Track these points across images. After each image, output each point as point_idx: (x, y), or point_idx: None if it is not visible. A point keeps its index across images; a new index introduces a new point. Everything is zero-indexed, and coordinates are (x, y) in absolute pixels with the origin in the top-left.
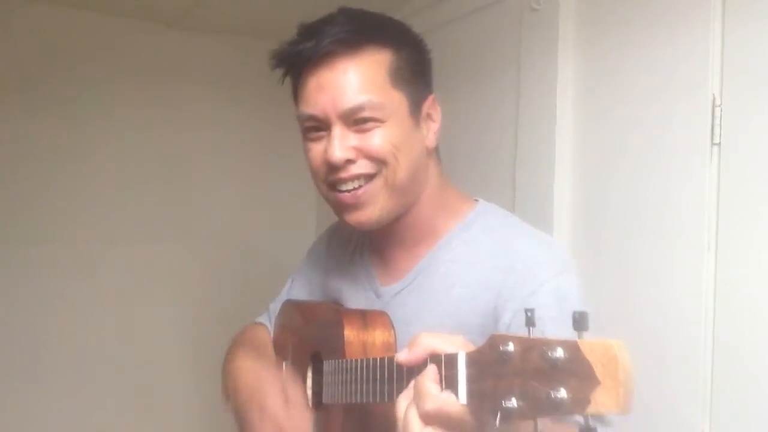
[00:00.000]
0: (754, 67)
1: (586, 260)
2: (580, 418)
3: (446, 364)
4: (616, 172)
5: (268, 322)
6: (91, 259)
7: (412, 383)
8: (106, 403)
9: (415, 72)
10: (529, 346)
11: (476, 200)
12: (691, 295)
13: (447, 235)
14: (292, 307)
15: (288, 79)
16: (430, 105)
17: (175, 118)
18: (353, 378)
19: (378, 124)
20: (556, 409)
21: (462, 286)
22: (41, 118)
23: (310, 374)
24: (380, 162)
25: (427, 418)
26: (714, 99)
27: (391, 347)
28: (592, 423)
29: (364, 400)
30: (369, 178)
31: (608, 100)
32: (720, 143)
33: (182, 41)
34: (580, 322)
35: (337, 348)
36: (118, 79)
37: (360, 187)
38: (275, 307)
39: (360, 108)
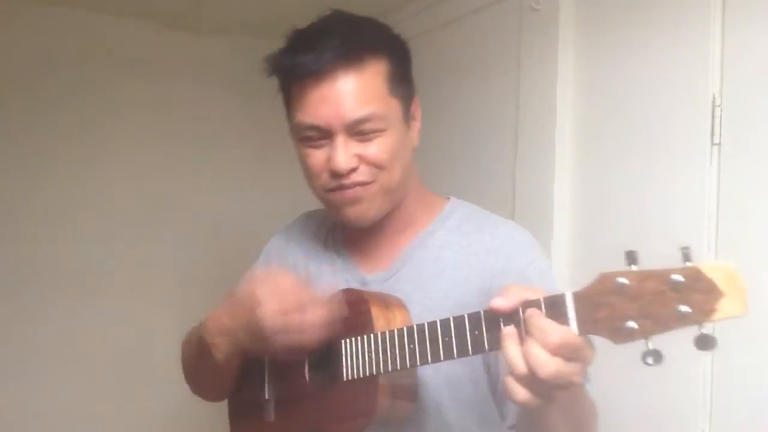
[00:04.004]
0: (754, 67)
1: (586, 260)
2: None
3: (550, 304)
4: (616, 172)
5: None
6: (90, 258)
7: (509, 329)
8: (104, 401)
9: (405, 75)
10: (645, 276)
11: (449, 197)
12: None
13: (429, 226)
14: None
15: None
16: (415, 106)
17: (175, 118)
18: (405, 343)
19: (379, 133)
20: (682, 320)
21: (454, 268)
22: (41, 118)
23: (307, 359)
24: (379, 168)
25: (556, 350)
26: (714, 99)
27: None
28: (707, 332)
29: (423, 362)
30: (367, 183)
31: (608, 101)
32: (720, 143)
33: (182, 41)
34: (687, 254)
35: (365, 324)
36: (118, 78)
37: (360, 187)
38: None
39: (364, 120)
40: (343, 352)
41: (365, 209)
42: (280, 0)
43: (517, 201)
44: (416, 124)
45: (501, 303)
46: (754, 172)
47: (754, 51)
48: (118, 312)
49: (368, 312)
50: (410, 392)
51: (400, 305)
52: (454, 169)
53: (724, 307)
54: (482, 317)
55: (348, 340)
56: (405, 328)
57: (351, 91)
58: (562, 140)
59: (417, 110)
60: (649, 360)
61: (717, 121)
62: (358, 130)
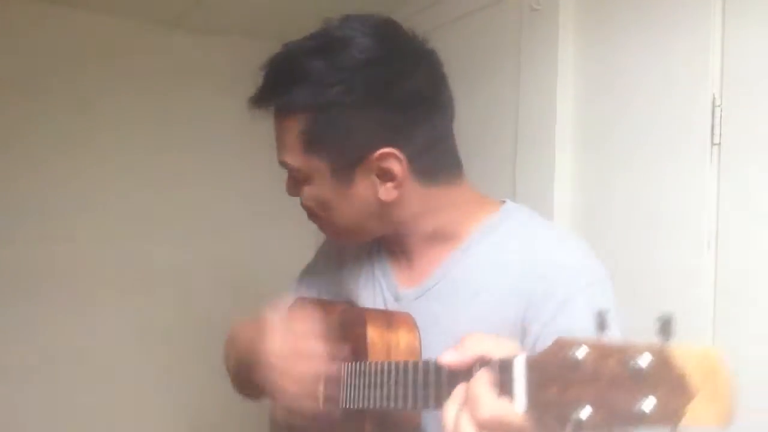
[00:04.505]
0: (754, 67)
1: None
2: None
3: (501, 368)
4: (616, 172)
5: None
6: (90, 259)
7: (460, 388)
8: (103, 402)
9: (350, 130)
10: (605, 351)
11: (503, 201)
12: (691, 295)
13: (468, 239)
14: (303, 305)
15: None
16: (377, 159)
17: (175, 118)
18: (381, 381)
19: (303, 182)
20: (640, 420)
21: (489, 292)
22: (40, 118)
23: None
24: (312, 212)
25: (483, 426)
26: (714, 99)
27: (416, 350)
28: None
29: (394, 405)
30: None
31: (608, 100)
32: (720, 143)
33: (182, 41)
34: (666, 328)
35: (361, 349)
36: (118, 79)
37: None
38: None
39: (284, 165)
40: (342, 377)
41: (332, 236)
42: (281, 0)
43: (517, 201)
44: (392, 180)
45: (449, 359)
46: (754, 172)
47: (754, 51)
48: (118, 314)
49: (364, 336)
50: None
51: (409, 327)
52: None
53: (694, 411)
54: (430, 371)
55: (345, 366)
56: (379, 365)
57: (278, 138)
58: (562, 140)
59: (394, 166)
60: None
61: (717, 121)
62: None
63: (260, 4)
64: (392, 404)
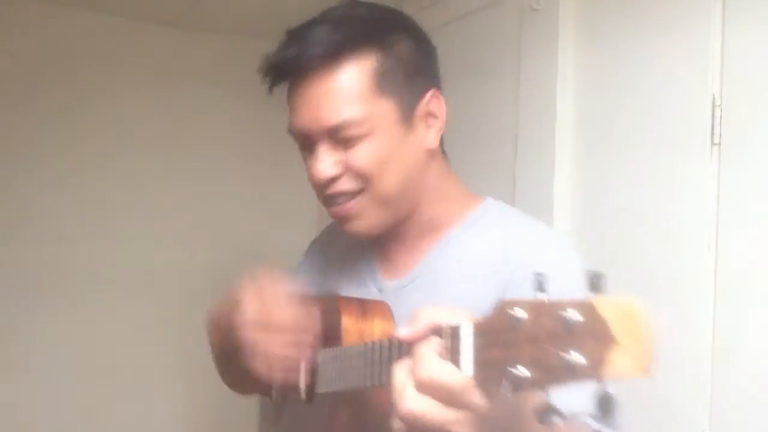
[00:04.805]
0: (754, 67)
1: (585, 260)
2: (595, 386)
3: (451, 334)
4: (616, 172)
5: None
6: (89, 259)
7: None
8: (103, 402)
9: (409, 69)
10: (540, 309)
11: (484, 198)
12: (691, 294)
13: (451, 231)
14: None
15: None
16: (429, 101)
17: (175, 118)
18: (350, 364)
19: (363, 138)
20: (571, 373)
21: (469, 282)
22: (40, 118)
23: (303, 367)
24: (365, 178)
25: (423, 387)
26: (714, 99)
27: None
28: (608, 390)
29: (362, 385)
30: (354, 194)
31: (608, 101)
32: (720, 143)
33: (182, 41)
34: (596, 283)
35: (335, 337)
36: (118, 79)
37: (348, 201)
38: None
39: (340, 127)
40: (319, 363)
41: (360, 225)
42: (280, 0)
43: (517, 200)
44: (435, 122)
45: (405, 332)
46: (754, 172)
47: (754, 51)
48: (119, 314)
49: (338, 324)
50: (378, 417)
51: (384, 315)
52: (453, 169)
53: (617, 360)
54: (393, 348)
55: (322, 351)
56: (349, 349)
57: (328, 93)
58: (562, 140)
59: (437, 106)
60: (554, 418)
61: (717, 121)
62: (339, 137)
63: (260, 4)
64: (362, 384)
